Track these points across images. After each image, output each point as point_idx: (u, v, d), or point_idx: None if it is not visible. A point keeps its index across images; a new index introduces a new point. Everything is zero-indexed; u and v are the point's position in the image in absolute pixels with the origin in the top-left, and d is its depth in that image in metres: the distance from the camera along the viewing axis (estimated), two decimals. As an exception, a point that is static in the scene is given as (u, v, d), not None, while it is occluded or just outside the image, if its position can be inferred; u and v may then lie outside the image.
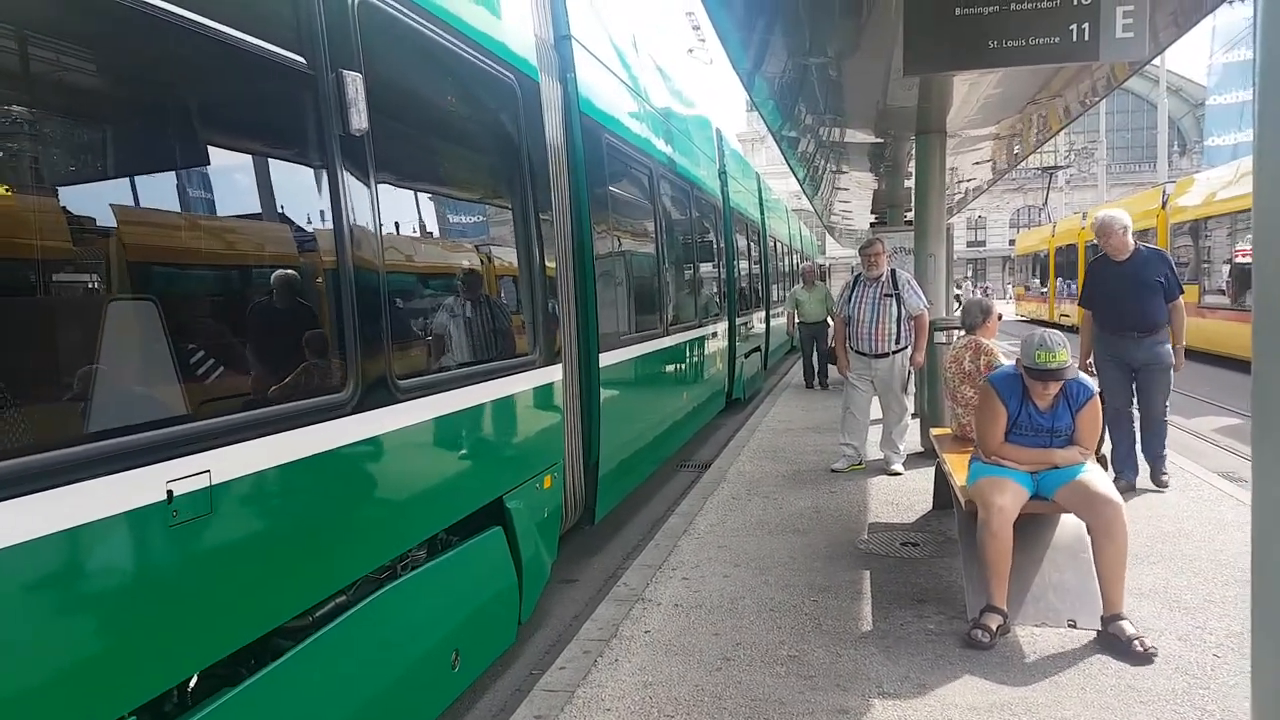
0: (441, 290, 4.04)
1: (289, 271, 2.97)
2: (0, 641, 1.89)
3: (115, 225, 2.37)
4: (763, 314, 16.07)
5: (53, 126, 2.27)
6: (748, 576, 5.43)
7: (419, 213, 3.87)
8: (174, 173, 2.61)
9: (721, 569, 5.60)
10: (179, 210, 2.60)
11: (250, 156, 2.87)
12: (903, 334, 8.07)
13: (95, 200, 2.34)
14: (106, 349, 2.27)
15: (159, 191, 2.55)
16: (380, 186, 3.24)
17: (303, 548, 2.84)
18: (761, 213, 16.88)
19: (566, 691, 3.99)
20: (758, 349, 15.20)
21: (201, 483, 2.39)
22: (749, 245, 14.93)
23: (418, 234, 3.83)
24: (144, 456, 2.22)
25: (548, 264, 4.85)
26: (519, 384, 4.42)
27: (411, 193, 3.79)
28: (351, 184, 3.06)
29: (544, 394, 4.76)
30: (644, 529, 7.17)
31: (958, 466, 5.30)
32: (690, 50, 40.03)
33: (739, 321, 12.75)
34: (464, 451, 3.93)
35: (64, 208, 2.28)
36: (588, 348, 5.79)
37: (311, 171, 3.01)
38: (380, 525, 3.27)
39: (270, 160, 2.96)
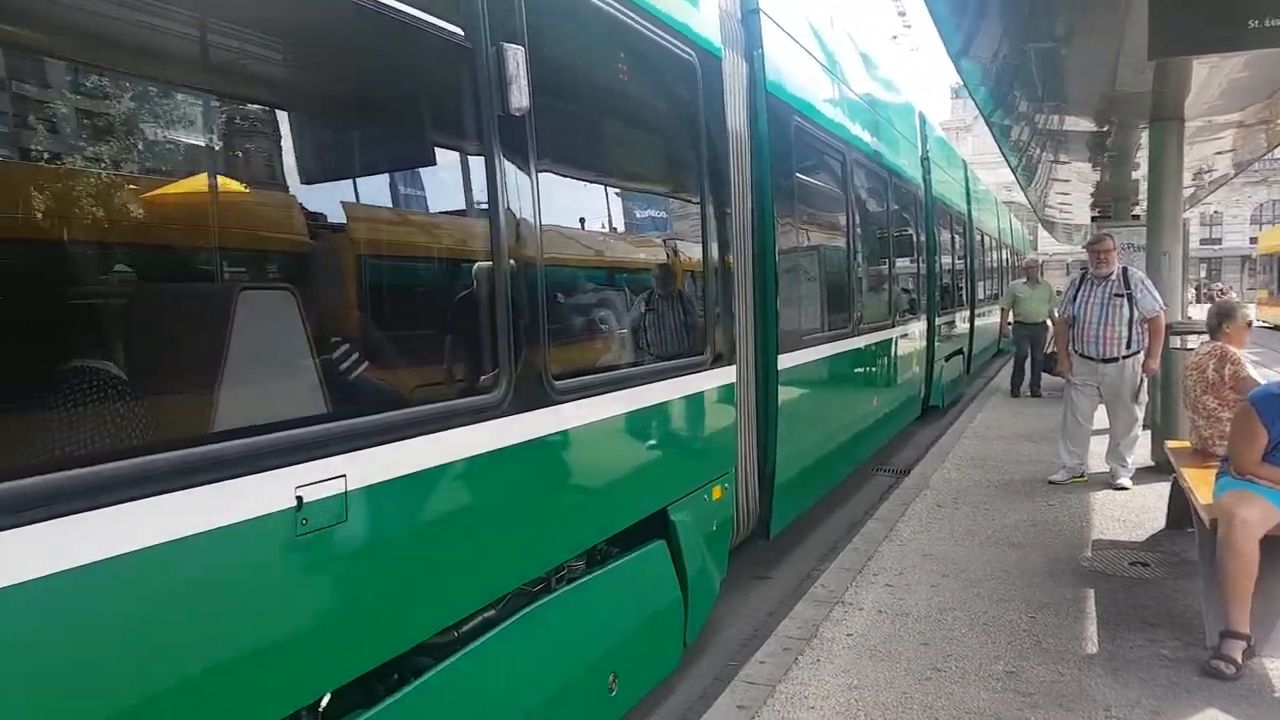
0: (605, 285, 3.77)
1: (438, 262, 2.77)
2: (109, 656, 1.75)
3: (249, 211, 2.24)
4: (966, 314, 14.98)
5: (180, 106, 2.14)
6: (957, 588, 5.23)
7: (582, 200, 3.61)
8: (318, 156, 2.45)
9: (928, 578, 5.41)
10: (321, 195, 2.44)
11: (399, 137, 2.69)
12: (1134, 337, 7.34)
13: (229, 186, 2.21)
14: (236, 341, 2.11)
15: (299, 176, 2.39)
16: (540, 171, 3.00)
17: (447, 559, 2.64)
18: (968, 204, 15.75)
19: (767, 685, 3.98)
20: (960, 352, 14.17)
21: (335, 488, 2.21)
22: (953, 239, 13.93)
23: (580, 223, 3.57)
24: (271, 459, 2.05)
25: (724, 257, 4.50)
26: (687, 386, 4.10)
27: (575, 179, 3.53)
28: (509, 168, 2.83)
29: (715, 397, 4.42)
30: (839, 532, 6.97)
31: (1198, 482, 4.92)
32: (895, 37, 38.42)
33: (939, 322, 11.86)
34: (625, 458, 3.66)
35: (200, 193, 2.16)
36: (765, 348, 5.39)
37: (465, 154, 2.80)
38: (532, 536, 3.03)
39: (420, 142, 2.76)
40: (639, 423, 3.69)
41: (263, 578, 2.08)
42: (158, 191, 2.11)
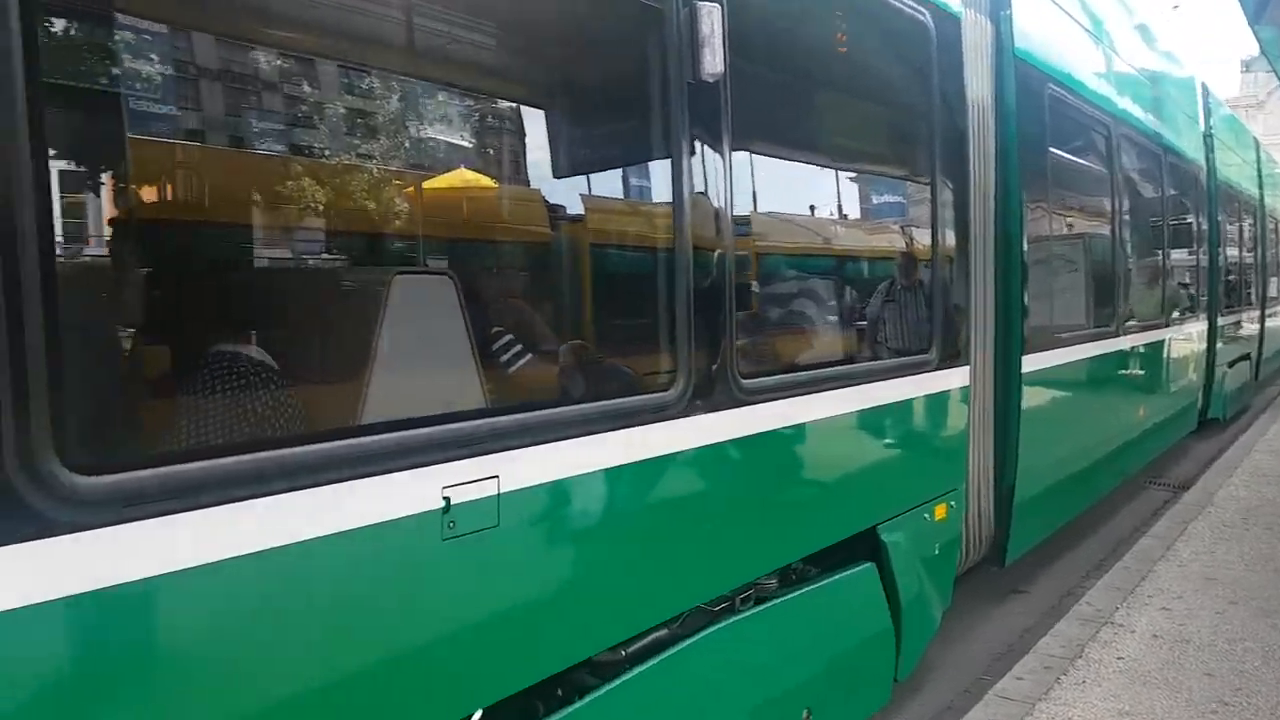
0: (808, 274, 3.39)
1: (612, 247, 2.52)
2: (226, 664, 1.63)
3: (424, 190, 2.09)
4: (1255, 314, 13.01)
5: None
6: (1248, 617, 4.79)
7: (784, 179, 3.25)
8: (478, 133, 2.27)
9: (1212, 604, 4.99)
10: (486, 171, 2.26)
11: (572, 109, 2.47)
12: None
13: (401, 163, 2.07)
14: (388, 328, 1.97)
15: (453, 159, 2.21)
16: (736, 146, 2.69)
17: (610, 572, 2.42)
18: (1259, 188, 13.67)
19: (1025, 703, 3.82)
20: (1246, 357, 12.31)
21: (487, 490, 2.03)
22: (1240, 228, 12.11)
23: (780, 205, 3.21)
24: (416, 455, 1.89)
25: (958, 243, 3.98)
26: (908, 389, 3.63)
27: (776, 155, 3.18)
28: (697, 141, 2.55)
29: (942, 402, 3.92)
30: (1105, 548, 6.53)
31: None
32: (1176, 6, 34.46)
33: (1222, 322, 10.32)
34: (826, 469, 3.28)
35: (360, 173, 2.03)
36: (1008, 347, 4.75)
37: (648, 126, 2.54)
38: (711, 550, 2.74)
39: (597, 110, 2.52)
40: (845, 430, 3.30)
41: (404, 585, 1.92)
42: (327, 174, 2.01)
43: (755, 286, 3.04)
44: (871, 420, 3.44)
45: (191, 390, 1.72)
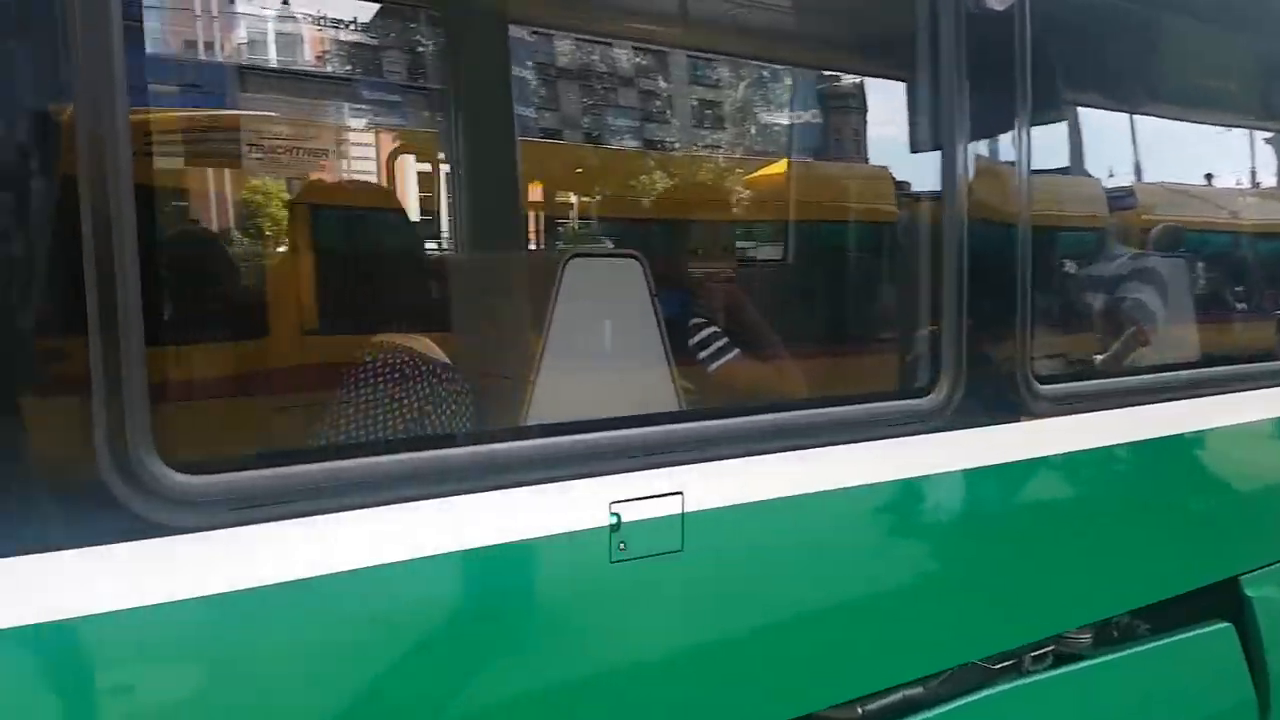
0: (1137, 252, 2.65)
1: (843, 219, 2.08)
2: (365, 689, 1.49)
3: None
4: None
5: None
6: None
7: (1103, 133, 2.55)
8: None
9: None
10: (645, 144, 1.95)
11: (818, 52, 2.06)
12: None
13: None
14: (560, 318, 1.74)
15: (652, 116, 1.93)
16: (1035, 96, 2.16)
17: (831, 613, 2.01)
18: None
19: None
20: None
21: (667, 508, 1.73)
22: None
23: (1100, 166, 2.53)
24: (579, 464, 1.64)
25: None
26: None
27: (1093, 104, 2.50)
28: (976, 86, 2.06)
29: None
30: None
31: None
32: None
33: None
34: (1163, 504, 2.59)
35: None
36: None
37: (912, 66, 2.12)
38: (979, 597, 2.23)
39: (847, 54, 2.09)
40: (1193, 454, 2.60)
41: (560, 613, 1.68)
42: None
43: (1070, 267, 2.44)
44: (1235, 442, 2.68)
45: (335, 385, 1.60)
